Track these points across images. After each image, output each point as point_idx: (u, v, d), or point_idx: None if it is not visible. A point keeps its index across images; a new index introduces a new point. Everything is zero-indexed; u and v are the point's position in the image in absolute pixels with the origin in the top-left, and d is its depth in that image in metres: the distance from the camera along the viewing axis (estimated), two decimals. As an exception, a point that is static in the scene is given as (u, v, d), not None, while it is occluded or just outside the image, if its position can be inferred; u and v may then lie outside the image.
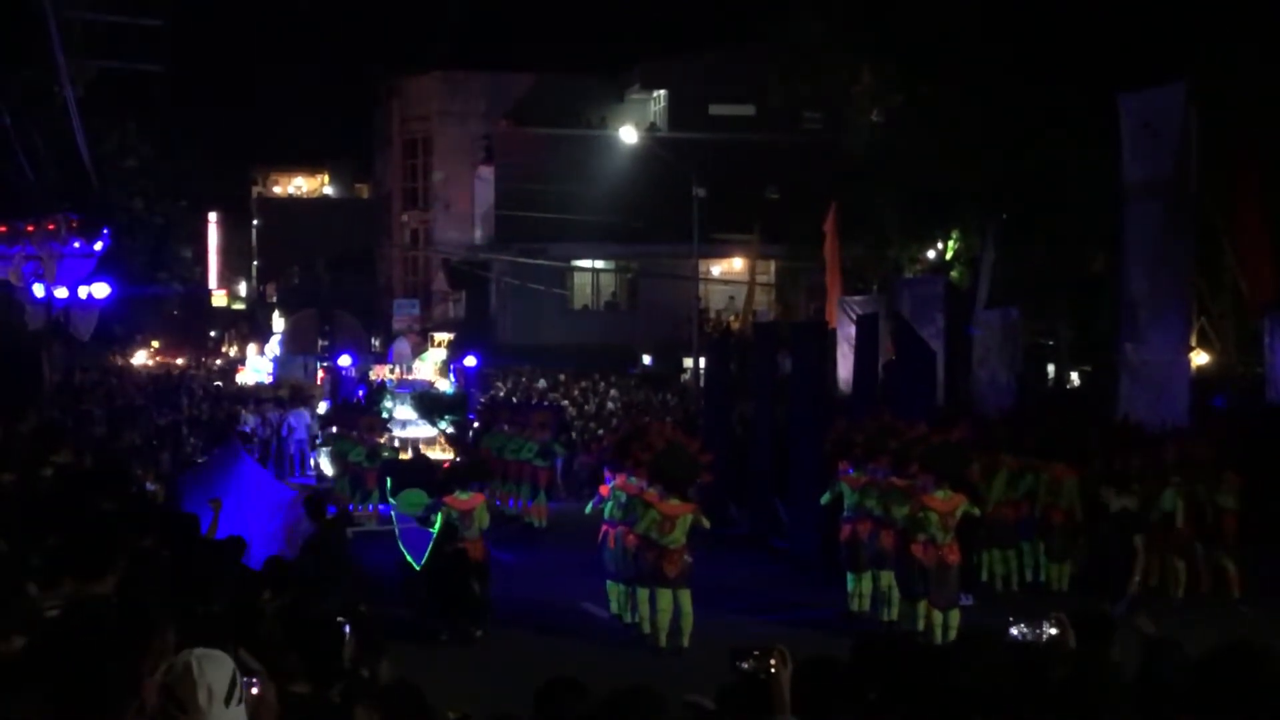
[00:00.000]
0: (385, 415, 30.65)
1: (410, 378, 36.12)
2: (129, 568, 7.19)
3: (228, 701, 4.19)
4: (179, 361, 62.45)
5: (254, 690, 4.63)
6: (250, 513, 15.68)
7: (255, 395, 40.61)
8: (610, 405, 39.80)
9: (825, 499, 18.93)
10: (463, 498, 17.29)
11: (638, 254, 52.46)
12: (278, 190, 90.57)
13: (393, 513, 19.38)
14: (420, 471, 22.49)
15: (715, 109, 53.60)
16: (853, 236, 38.17)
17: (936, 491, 15.93)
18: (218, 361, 66.82)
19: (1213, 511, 18.84)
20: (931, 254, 41.64)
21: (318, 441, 33.02)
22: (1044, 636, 6.57)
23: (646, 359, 50.55)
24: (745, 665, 5.51)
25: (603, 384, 44.12)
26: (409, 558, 17.75)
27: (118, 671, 4.32)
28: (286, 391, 39.50)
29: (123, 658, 4.37)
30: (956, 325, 30.51)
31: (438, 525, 17.21)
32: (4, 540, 8.20)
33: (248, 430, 32.88)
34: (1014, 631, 6.61)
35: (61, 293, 27.11)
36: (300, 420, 34.90)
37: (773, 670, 5.46)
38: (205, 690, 4.11)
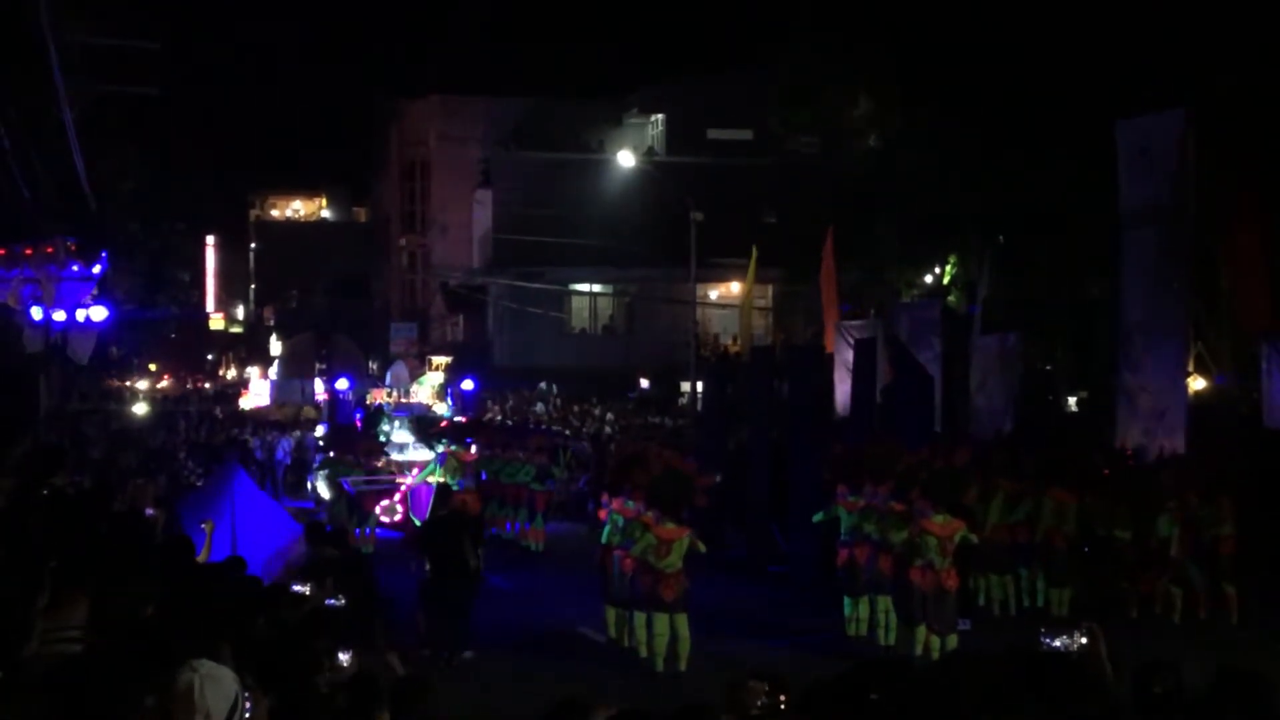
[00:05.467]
0: (383, 439, 30.61)
1: (408, 401, 36.12)
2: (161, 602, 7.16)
3: None
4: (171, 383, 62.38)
5: (247, 704, 4.58)
6: (246, 535, 15.65)
7: (254, 419, 40.67)
8: (607, 429, 39.77)
9: (818, 517, 18.93)
10: (461, 451, 17.93)
11: (635, 278, 52.52)
12: (275, 213, 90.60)
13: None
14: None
15: (713, 133, 53.71)
16: (850, 261, 38.20)
17: (935, 516, 15.92)
18: (208, 384, 66.75)
19: (1209, 537, 18.84)
20: (929, 278, 41.68)
21: (315, 465, 33.02)
22: (1075, 646, 6.56)
23: (644, 383, 50.55)
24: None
25: (599, 408, 44.10)
26: (412, 516, 18.29)
27: (127, 702, 4.28)
28: (284, 415, 39.54)
29: (136, 690, 4.32)
30: (954, 349, 30.52)
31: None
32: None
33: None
34: (1049, 641, 6.59)
35: (59, 315, 27.07)
36: (285, 444, 34.99)
37: (783, 708, 5.47)
38: (204, 716, 4.06)
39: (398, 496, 26.35)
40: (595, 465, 31.10)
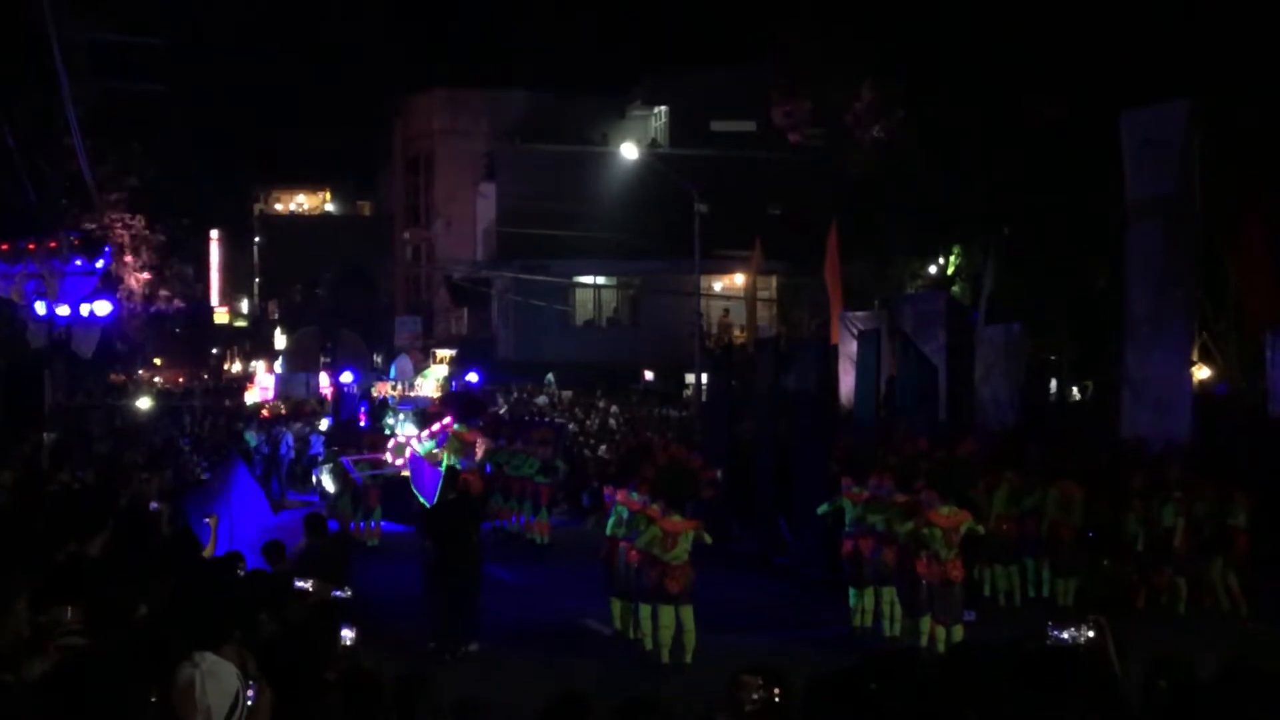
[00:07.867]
0: (387, 432, 30.62)
1: (412, 394, 36.13)
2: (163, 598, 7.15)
3: None
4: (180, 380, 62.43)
5: (249, 693, 4.57)
6: (245, 530, 15.69)
7: (258, 412, 40.69)
8: (612, 422, 39.77)
9: (824, 509, 18.94)
10: (464, 430, 18.18)
11: (639, 270, 52.51)
12: (280, 207, 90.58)
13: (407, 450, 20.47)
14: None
15: (717, 125, 53.68)
16: (854, 253, 38.15)
17: (941, 507, 15.91)
18: (207, 377, 66.80)
19: (1213, 528, 18.82)
20: (933, 269, 41.64)
21: (319, 459, 33.02)
22: (1083, 639, 6.54)
23: (649, 375, 50.54)
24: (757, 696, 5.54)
25: (603, 400, 44.09)
26: (420, 497, 18.44)
27: (133, 702, 4.27)
28: (288, 408, 39.53)
29: (140, 689, 4.31)
30: (959, 341, 30.48)
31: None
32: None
33: (252, 447, 32.92)
34: (1056, 635, 6.57)
35: (63, 310, 27.12)
36: (290, 438, 35.02)
37: (778, 701, 5.46)
38: (204, 714, 4.05)
39: (406, 457, 26.22)
40: (572, 462, 31.09)
